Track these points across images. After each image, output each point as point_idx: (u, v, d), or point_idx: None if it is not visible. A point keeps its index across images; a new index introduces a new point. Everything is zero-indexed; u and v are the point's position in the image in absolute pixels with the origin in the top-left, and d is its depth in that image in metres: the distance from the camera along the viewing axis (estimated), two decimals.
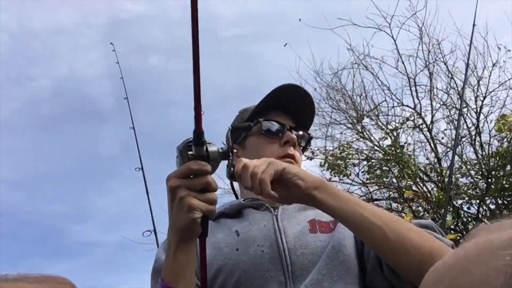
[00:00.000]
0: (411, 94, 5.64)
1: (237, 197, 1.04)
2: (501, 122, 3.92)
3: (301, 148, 1.00)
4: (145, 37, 8.24)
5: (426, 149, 5.57)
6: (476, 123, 5.27)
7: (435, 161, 5.39)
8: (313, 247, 0.83)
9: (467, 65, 3.02)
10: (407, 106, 5.68)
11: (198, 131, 0.67)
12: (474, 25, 2.82)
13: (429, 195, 4.96)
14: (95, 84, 7.83)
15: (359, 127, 5.96)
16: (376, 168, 5.26)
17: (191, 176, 0.70)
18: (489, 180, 4.52)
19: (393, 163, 5.02)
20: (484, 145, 4.99)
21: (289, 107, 0.98)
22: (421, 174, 5.14)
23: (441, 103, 5.61)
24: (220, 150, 0.73)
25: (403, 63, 5.57)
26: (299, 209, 0.92)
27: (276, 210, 0.91)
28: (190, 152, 0.70)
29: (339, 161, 5.14)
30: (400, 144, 5.35)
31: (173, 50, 8.53)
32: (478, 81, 5.36)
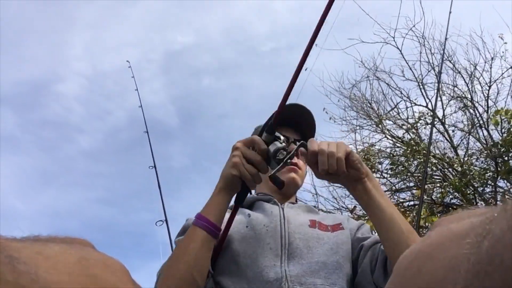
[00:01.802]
0: (422, 94, 6.06)
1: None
2: (496, 117, 4.25)
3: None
4: (196, 63, 9.46)
5: (442, 141, 5.93)
6: (485, 109, 5.62)
7: (451, 150, 5.75)
8: (310, 236, 0.92)
9: (442, 56, 3.42)
10: (420, 105, 6.11)
11: (273, 123, 0.85)
12: (450, 12, 3.08)
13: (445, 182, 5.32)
14: (161, 109, 8.82)
15: (380, 128, 6.38)
16: (398, 163, 5.68)
17: (250, 148, 0.84)
18: (498, 164, 4.85)
19: (414, 155, 5.41)
20: (491, 131, 5.32)
21: (293, 122, 1.06)
22: (440, 163, 5.51)
23: (451, 95, 5.98)
24: (279, 155, 0.84)
25: (410, 68, 6.02)
26: (302, 210, 1.03)
27: (283, 205, 1.02)
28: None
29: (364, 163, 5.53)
30: (419, 139, 5.74)
31: (220, 70, 9.73)
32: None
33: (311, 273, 0.84)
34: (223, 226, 0.87)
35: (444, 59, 5.95)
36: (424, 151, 5.27)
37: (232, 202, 0.90)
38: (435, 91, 5.99)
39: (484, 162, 5.34)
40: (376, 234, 0.89)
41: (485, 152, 5.28)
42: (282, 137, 0.89)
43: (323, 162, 0.82)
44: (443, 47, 3.24)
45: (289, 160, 0.86)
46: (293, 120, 1.06)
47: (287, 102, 0.89)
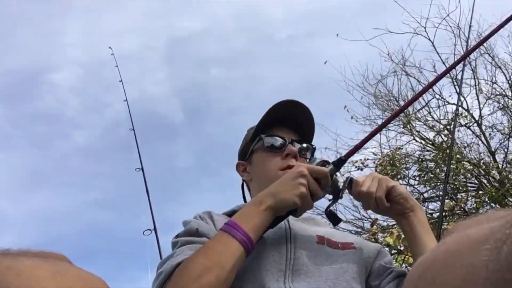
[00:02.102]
0: (456, 91, 5.95)
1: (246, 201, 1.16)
2: None
3: (307, 160, 1.06)
4: (205, 51, 9.18)
5: (478, 145, 5.82)
6: None
7: (489, 155, 5.64)
8: (317, 253, 0.92)
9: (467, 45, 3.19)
10: (454, 104, 6.00)
11: (344, 160, 0.91)
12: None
13: (480, 192, 5.21)
14: (165, 102, 8.82)
15: (408, 129, 6.30)
16: (427, 169, 5.60)
17: (315, 178, 0.85)
18: None
19: (445, 160, 5.33)
20: None
21: (290, 121, 1.07)
22: (474, 170, 5.41)
23: (489, 93, 5.86)
24: (338, 185, 0.91)
25: (443, 63, 5.92)
26: (309, 224, 1.04)
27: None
28: (326, 166, 0.89)
29: (388, 168, 5.50)
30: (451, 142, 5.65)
31: (231, 59, 9.56)
32: None
33: None
34: None
35: (482, 52, 5.87)
36: (458, 156, 5.19)
37: None
38: (470, 88, 5.92)
39: None
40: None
41: None
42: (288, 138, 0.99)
43: (365, 203, 0.94)
44: (467, 33, 3.09)
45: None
46: (288, 119, 1.06)
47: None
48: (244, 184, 1.17)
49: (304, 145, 1.07)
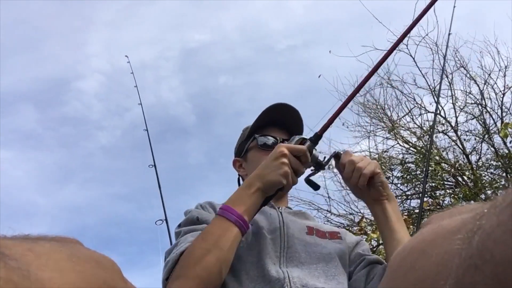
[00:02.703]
0: (435, 101, 5.95)
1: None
2: (505, 130, 4.18)
3: (330, 166, 1.19)
4: (213, 61, 9.38)
5: (454, 148, 5.82)
6: (500, 116, 5.51)
7: (464, 157, 5.64)
8: (308, 242, 0.92)
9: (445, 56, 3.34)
10: (432, 112, 6.01)
11: (320, 135, 0.87)
12: (454, 6, 2.95)
13: (456, 190, 5.22)
14: (179, 106, 8.88)
15: (393, 134, 6.31)
16: (408, 172, 5.60)
17: (295, 156, 0.83)
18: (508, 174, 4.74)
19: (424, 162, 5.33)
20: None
21: (281, 122, 1.06)
22: (451, 170, 5.40)
23: (465, 102, 5.87)
24: (319, 159, 0.88)
25: (423, 76, 5.94)
26: (299, 217, 1.02)
27: (280, 208, 1.01)
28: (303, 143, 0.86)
29: None
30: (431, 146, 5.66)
31: (237, 67, 9.70)
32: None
33: (312, 277, 0.84)
34: None
35: (459, 66, 5.87)
36: (437, 157, 5.18)
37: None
38: (447, 98, 5.92)
39: (494, 172, 5.22)
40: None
41: (496, 162, 5.17)
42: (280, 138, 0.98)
43: (348, 173, 0.90)
44: (446, 43, 3.10)
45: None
46: (280, 120, 1.05)
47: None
48: (240, 179, 1.16)
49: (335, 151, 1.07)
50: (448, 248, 0.23)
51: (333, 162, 0.95)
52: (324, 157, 0.92)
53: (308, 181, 0.90)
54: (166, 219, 2.19)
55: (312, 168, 0.91)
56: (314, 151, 0.87)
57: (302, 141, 0.87)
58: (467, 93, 5.90)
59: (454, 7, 2.94)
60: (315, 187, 0.92)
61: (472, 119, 5.86)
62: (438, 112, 5.88)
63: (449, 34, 2.99)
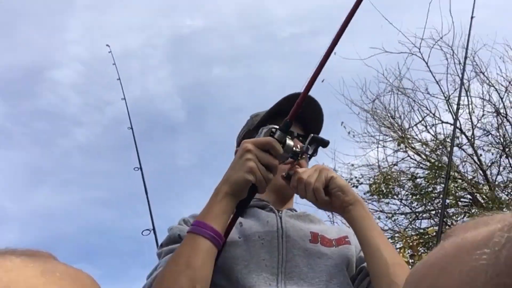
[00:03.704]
0: (449, 110, 6.01)
1: None
2: None
3: (308, 155, 1.01)
4: (207, 50, 9.05)
5: (470, 163, 5.85)
6: None
7: (481, 173, 5.67)
8: (311, 253, 0.89)
9: (466, 53, 3.01)
10: (447, 123, 6.06)
11: (290, 122, 0.84)
12: (472, 17, 2.80)
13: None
14: (167, 100, 8.64)
15: (403, 147, 6.32)
16: (421, 187, 5.61)
17: (264, 150, 0.82)
18: None
19: (437, 179, 5.35)
20: None
21: (298, 116, 0.96)
22: (467, 187, 5.43)
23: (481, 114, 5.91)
24: (294, 148, 0.87)
25: (437, 83, 5.99)
26: (303, 220, 1.00)
27: (280, 212, 0.98)
28: (273, 133, 0.85)
29: (383, 186, 5.51)
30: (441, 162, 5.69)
31: (234, 58, 9.36)
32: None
33: None
34: None
35: (477, 71, 5.93)
36: (452, 173, 5.20)
37: None
38: (463, 106, 5.95)
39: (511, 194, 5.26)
40: None
41: None
42: (294, 132, 0.95)
43: (301, 191, 0.90)
44: (465, 49, 2.96)
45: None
46: (298, 114, 0.99)
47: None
48: None
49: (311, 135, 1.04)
50: (472, 264, 0.23)
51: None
52: (304, 144, 0.92)
53: (288, 176, 0.93)
54: (154, 229, 2.16)
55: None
56: (288, 140, 0.86)
57: (271, 132, 0.85)
58: (486, 101, 5.94)
59: (472, 17, 2.85)
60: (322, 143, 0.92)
61: (488, 134, 5.89)
62: (455, 123, 5.95)
63: (467, 41, 2.94)
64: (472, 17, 2.80)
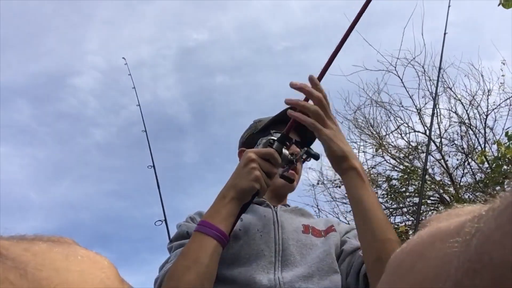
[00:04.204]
0: (420, 121, 6.09)
1: None
2: (481, 156, 4.31)
3: (302, 160, 1.02)
4: (211, 60, 9.26)
5: (438, 167, 5.92)
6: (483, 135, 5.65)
7: (447, 176, 5.74)
8: (303, 243, 0.90)
9: (439, 69, 2.97)
10: (419, 131, 6.13)
11: (287, 135, 0.86)
12: (445, 33, 2.78)
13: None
14: (174, 105, 8.78)
15: (380, 152, 6.38)
16: (395, 188, 5.67)
17: (265, 160, 0.82)
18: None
19: (409, 181, 5.41)
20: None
21: (298, 124, 0.90)
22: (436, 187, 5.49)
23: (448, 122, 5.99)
24: (289, 156, 0.88)
25: (410, 97, 6.08)
26: (295, 214, 1.00)
27: (276, 207, 0.98)
28: (272, 142, 0.85)
29: None
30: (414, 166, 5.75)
31: (234, 67, 9.57)
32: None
33: (304, 278, 0.83)
34: None
35: (446, 86, 6.01)
36: (420, 177, 5.26)
37: None
38: (431, 116, 6.04)
39: (473, 194, 5.34)
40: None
41: (474, 184, 5.29)
42: (292, 139, 0.96)
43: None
44: (438, 67, 2.95)
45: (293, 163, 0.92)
46: (298, 122, 0.93)
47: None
48: None
49: (305, 148, 1.01)
50: (446, 251, 0.23)
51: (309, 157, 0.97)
52: (294, 154, 0.93)
53: (284, 176, 0.94)
54: (165, 220, 2.16)
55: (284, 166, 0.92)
56: (284, 150, 0.87)
57: (269, 143, 0.86)
58: (453, 112, 6.05)
59: (445, 33, 2.79)
60: (290, 180, 0.95)
61: (452, 143, 5.97)
62: (425, 132, 6.02)
63: (440, 62, 2.84)
64: (445, 33, 2.78)
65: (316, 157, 0.94)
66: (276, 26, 9.45)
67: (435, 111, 5.87)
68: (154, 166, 2.37)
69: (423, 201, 5.43)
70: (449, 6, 2.77)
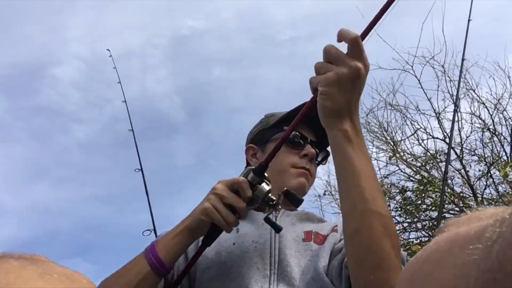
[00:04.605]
0: (439, 126, 6.06)
1: None
2: (505, 169, 4.28)
3: (317, 162, 1.02)
4: (207, 51, 8.93)
5: (458, 178, 5.88)
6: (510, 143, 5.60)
7: (469, 188, 5.69)
8: (302, 253, 0.88)
9: (463, 60, 2.88)
10: (437, 138, 6.10)
11: (265, 165, 0.80)
12: (469, 20, 2.68)
13: None
14: (166, 100, 8.53)
15: (395, 160, 6.34)
16: (410, 201, 5.62)
17: (233, 190, 0.79)
18: None
19: (426, 193, 5.36)
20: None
21: (314, 122, 0.86)
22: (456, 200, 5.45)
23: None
24: (269, 195, 0.81)
25: (429, 100, 6.04)
26: (299, 219, 0.97)
27: (277, 212, 0.96)
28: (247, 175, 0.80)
29: None
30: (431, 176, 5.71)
31: (233, 59, 9.27)
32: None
33: None
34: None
35: (468, 88, 5.98)
36: (438, 189, 5.22)
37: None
38: (451, 121, 6.00)
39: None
40: None
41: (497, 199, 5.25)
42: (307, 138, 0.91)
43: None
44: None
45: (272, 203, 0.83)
46: (314, 119, 0.84)
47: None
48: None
49: (319, 149, 1.02)
50: (465, 259, 0.23)
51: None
52: (279, 194, 0.86)
53: (267, 220, 0.84)
54: (154, 229, 2.10)
55: (267, 207, 0.84)
56: (263, 184, 0.81)
57: (248, 173, 0.81)
58: (476, 117, 5.98)
59: (469, 20, 2.72)
60: (277, 229, 0.84)
61: (473, 154, 5.91)
62: (444, 139, 5.99)
63: (463, 54, 2.75)
64: (469, 20, 2.69)
65: (297, 202, 0.90)
66: (280, 13, 9.16)
67: (456, 116, 5.86)
68: (142, 169, 2.31)
69: (442, 215, 5.39)
70: None
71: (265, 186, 0.81)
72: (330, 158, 0.99)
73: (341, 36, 0.73)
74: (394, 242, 0.69)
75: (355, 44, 0.72)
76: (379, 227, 0.67)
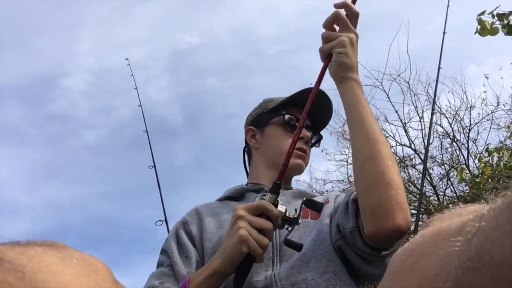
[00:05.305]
0: (406, 135, 6.23)
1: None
2: (460, 174, 4.43)
3: (310, 144, 1.02)
4: (203, 63, 9.42)
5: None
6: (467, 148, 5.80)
7: (432, 189, 5.85)
8: (302, 231, 0.84)
9: (439, 68, 2.75)
10: (404, 145, 6.25)
11: (278, 183, 0.76)
12: (444, 32, 2.67)
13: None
14: (166, 107, 8.84)
15: None
16: None
17: (257, 215, 0.72)
18: None
19: None
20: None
21: (311, 108, 0.85)
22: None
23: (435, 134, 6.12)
24: (287, 214, 0.74)
25: (396, 112, 6.22)
26: (294, 197, 0.93)
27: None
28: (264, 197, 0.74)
29: None
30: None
31: (226, 70, 9.69)
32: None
33: (300, 267, 0.78)
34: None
35: (431, 101, 6.15)
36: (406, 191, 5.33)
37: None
38: (417, 131, 6.16)
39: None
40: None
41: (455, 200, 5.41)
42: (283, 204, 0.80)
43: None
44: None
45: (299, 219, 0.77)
46: (311, 106, 0.85)
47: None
48: (250, 150, 1.06)
49: (313, 132, 1.02)
50: (447, 250, 0.23)
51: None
52: (295, 209, 0.77)
53: (287, 242, 0.76)
54: (165, 220, 2.19)
55: (286, 225, 0.77)
56: (279, 205, 0.74)
57: (262, 197, 0.75)
58: (438, 125, 6.18)
59: (444, 33, 2.64)
60: (298, 248, 0.76)
61: (434, 160, 6.07)
62: (410, 145, 6.14)
63: (440, 57, 2.67)
64: (444, 33, 2.65)
65: (298, 248, 0.77)
66: (268, 29, 9.60)
67: (422, 125, 6.04)
68: (154, 166, 2.38)
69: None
70: (448, 6, 2.72)
71: (282, 206, 0.75)
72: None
73: (345, 6, 0.84)
74: (397, 167, 0.75)
75: (357, 17, 0.84)
76: (387, 153, 0.74)
